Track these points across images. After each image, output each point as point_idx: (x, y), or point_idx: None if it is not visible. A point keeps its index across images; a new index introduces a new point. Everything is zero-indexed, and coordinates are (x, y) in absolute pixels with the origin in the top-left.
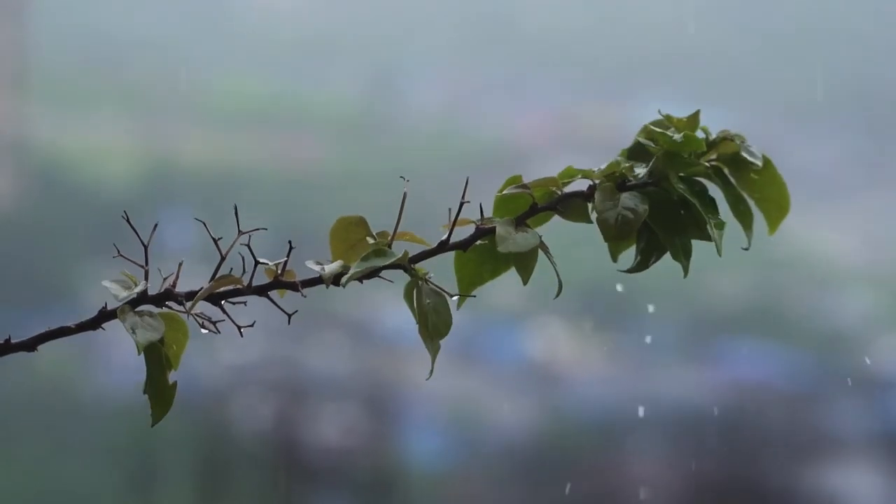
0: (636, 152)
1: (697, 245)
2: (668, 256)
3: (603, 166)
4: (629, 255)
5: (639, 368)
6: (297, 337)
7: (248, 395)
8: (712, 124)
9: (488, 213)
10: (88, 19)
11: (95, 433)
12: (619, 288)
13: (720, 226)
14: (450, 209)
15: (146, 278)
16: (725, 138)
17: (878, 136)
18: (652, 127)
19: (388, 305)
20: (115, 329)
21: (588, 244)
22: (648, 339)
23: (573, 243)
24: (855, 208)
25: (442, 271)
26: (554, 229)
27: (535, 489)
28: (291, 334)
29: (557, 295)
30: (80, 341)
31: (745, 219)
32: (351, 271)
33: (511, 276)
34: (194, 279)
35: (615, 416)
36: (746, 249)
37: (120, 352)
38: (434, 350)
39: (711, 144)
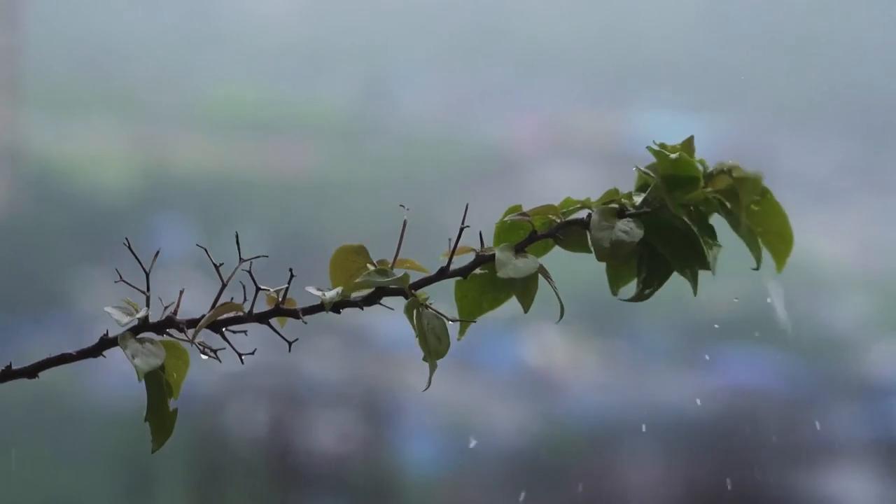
0: (641, 187)
1: None
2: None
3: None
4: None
5: (634, 375)
6: (293, 344)
7: (245, 401)
8: (709, 130)
9: (484, 221)
10: (84, 27)
11: (93, 440)
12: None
13: (714, 247)
14: (449, 238)
15: (147, 304)
16: (722, 171)
17: (874, 142)
18: (652, 147)
19: (383, 313)
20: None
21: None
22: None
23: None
24: (851, 214)
25: (441, 293)
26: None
27: (530, 495)
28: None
29: (560, 318)
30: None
31: (748, 240)
32: (353, 284)
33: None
34: (189, 285)
35: (610, 422)
36: (756, 269)
37: (117, 359)
38: (433, 366)
39: (708, 176)
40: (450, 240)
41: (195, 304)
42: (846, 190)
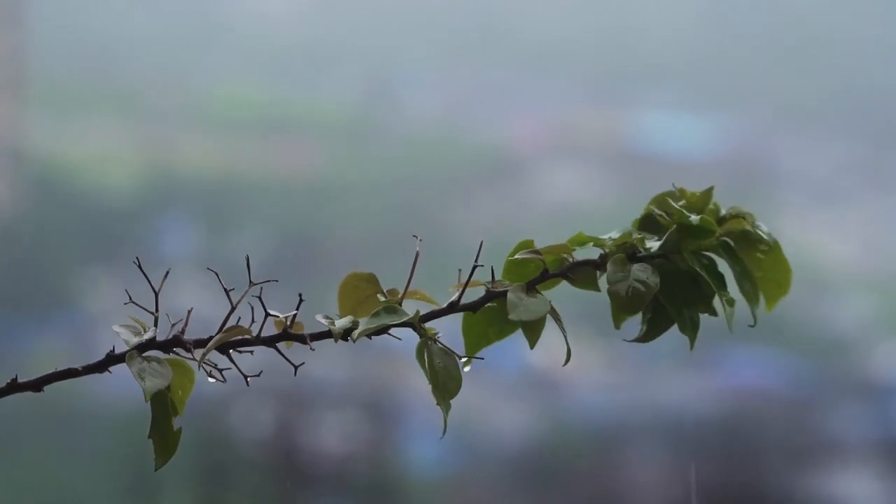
0: (647, 222)
1: None
2: None
3: (615, 235)
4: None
5: (638, 375)
6: (297, 344)
7: (249, 401)
8: (711, 130)
9: (487, 219)
10: (87, 27)
11: (96, 440)
12: None
13: (731, 303)
14: (460, 270)
15: (156, 324)
16: (737, 215)
17: (877, 141)
18: (667, 199)
19: None
20: (114, 339)
21: (593, 289)
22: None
23: None
24: (854, 214)
25: (445, 321)
26: (549, 239)
27: (534, 496)
28: (297, 369)
29: (566, 362)
30: (79, 348)
31: (749, 296)
32: (361, 327)
33: None
34: (191, 287)
35: (615, 422)
36: (752, 326)
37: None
38: (446, 408)
39: (721, 220)
40: (460, 270)
41: (203, 305)
42: (849, 190)
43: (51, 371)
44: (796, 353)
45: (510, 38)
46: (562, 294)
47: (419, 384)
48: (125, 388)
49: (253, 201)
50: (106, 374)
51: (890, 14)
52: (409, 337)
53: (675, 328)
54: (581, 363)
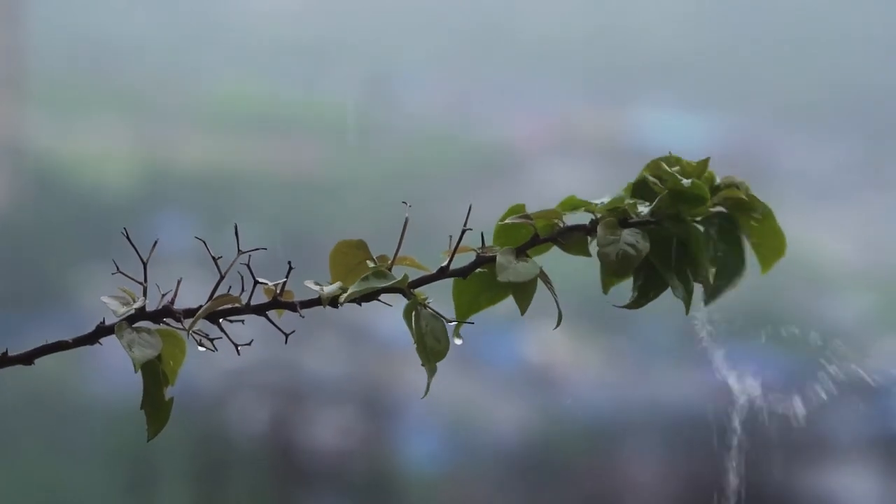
0: (640, 187)
1: None
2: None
3: (606, 200)
4: (622, 288)
5: (637, 372)
6: (293, 340)
7: (245, 398)
8: (709, 128)
9: (486, 219)
10: (85, 23)
11: (91, 437)
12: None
13: (713, 262)
14: (450, 236)
15: (144, 295)
16: (731, 185)
17: (877, 139)
18: (661, 164)
19: (384, 308)
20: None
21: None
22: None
23: None
24: (853, 212)
25: (440, 294)
26: None
27: (531, 492)
28: (288, 338)
29: (557, 325)
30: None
31: (705, 282)
32: (349, 291)
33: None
34: (190, 282)
35: (612, 419)
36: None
37: (116, 355)
38: (431, 371)
39: (715, 189)
40: (451, 236)
41: (197, 300)
42: (849, 187)
43: (48, 378)
44: (794, 350)
45: (510, 37)
46: (560, 291)
47: (416, 380)
48: (122, 383)
49: (253, 199)
50: (104, 373)
51: (890, 13)
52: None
53: (675, 324)
54: (578, 360)
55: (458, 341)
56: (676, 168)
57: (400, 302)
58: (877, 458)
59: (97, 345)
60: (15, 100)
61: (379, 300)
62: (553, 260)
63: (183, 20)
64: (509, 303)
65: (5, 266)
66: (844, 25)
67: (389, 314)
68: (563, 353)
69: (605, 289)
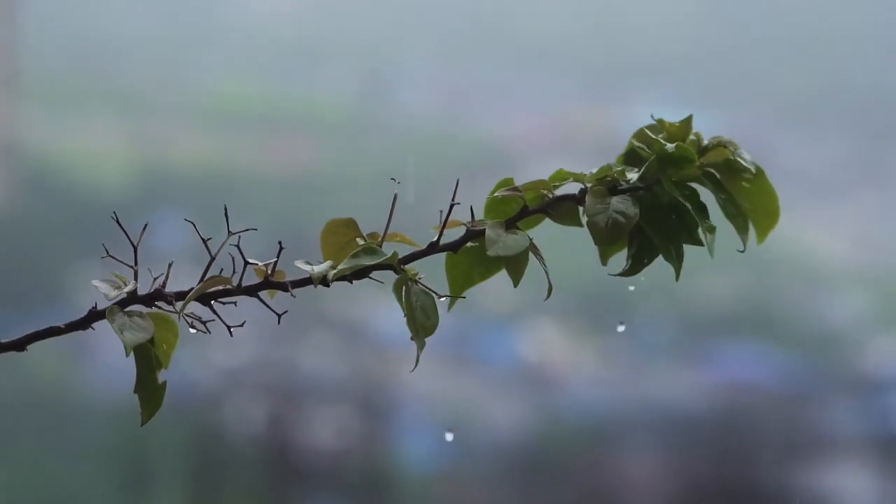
0: (631, 157)
1: (689, 247)
2: (660, 259)
3: (595, 170)
4: (619, 259)
5: (632, 370)
6: (289, 339)
7: (242, 397)
8: (706, 126)
9: (479, 215)
10: (81, 23)
11: (88, 435)
12: (611, 290)
13: (712, 230)
14: (441, 211)
15: (136, 278)
16: (718, 144)
17: (873, 138)
18: (646, 131)
19: (380, 308)
20: (106, 331)
21: (580, 246)
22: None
23: (566, 245)
24: (849, 209)
25: (432, 271)
26: (546, 233)
27: (527, 490)
28: (284, 337)
29: (548, 296)
30: (72, 343)
31: (737, 221)
32: (339, 267)
33: (503, 278)
34: (187, 280)
35: (608, 417)
36: (742, 252)
37: (111, 354)
38: (420, 345)
39: (703, 150)
40: (441, 211)
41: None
42: (845, 185)
43: (45, 378)
44: (790, 348)
45: (508, 35)
46: (558, 291)
47: (412, 379)
48: (119, 384)
49: (249, 196)
50: (101, 372)
51: (887, 12)
52: (403, 324)
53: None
54: (575, 358)
55: (448, 436)
56: (662, 135)
57: (392, 280)
58: (874, 456)
59: (91, 338)
60: (11, 98)
61: (370, 278)
62: (553, 260)
63: (180, 19)
64: (507, 302)
65: (1, 264)
66: (844, 25)
67: (385, 313)
68: (558, 352)
69: (603, 259)
